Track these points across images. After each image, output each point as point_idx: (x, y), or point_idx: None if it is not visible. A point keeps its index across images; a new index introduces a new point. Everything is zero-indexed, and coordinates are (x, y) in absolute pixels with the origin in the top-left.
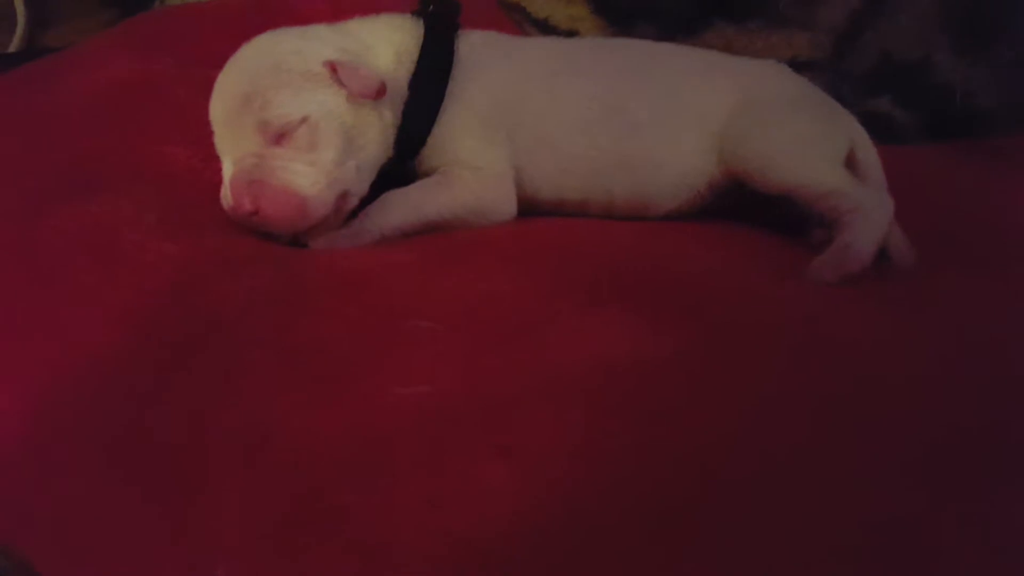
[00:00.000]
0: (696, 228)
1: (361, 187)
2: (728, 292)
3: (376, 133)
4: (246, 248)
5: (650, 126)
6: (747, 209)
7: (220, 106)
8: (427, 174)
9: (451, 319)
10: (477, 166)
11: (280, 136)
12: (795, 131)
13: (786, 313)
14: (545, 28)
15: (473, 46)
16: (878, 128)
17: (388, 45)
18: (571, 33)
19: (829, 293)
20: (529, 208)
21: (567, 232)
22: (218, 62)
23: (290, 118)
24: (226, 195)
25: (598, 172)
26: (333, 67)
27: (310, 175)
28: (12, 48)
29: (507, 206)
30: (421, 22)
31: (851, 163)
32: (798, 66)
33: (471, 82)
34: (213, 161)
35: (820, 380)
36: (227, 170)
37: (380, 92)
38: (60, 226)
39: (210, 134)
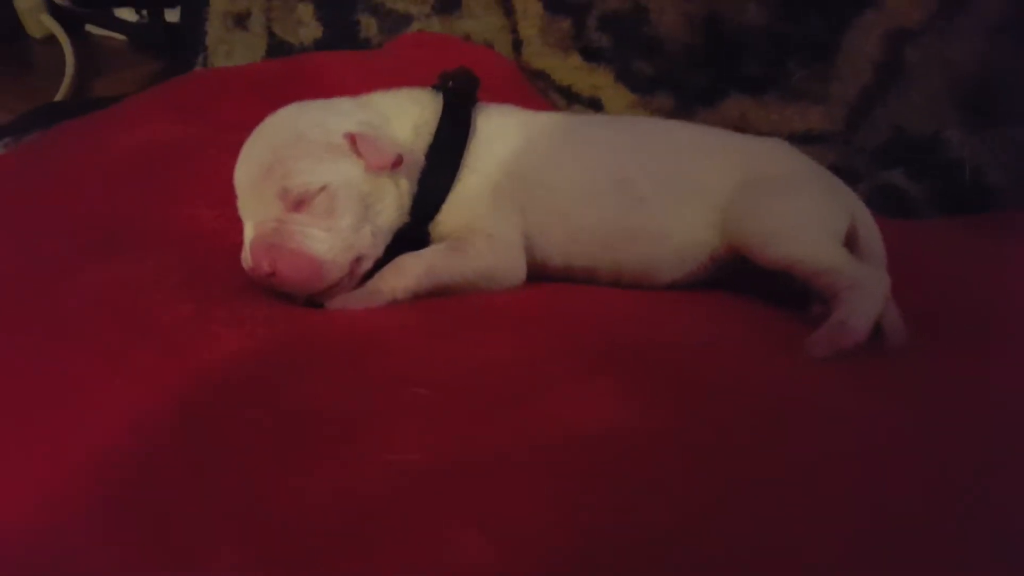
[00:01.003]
0: (697, 298)
1: (376, 251)
2: (721, 366)
3: (392, 200)
4: (261, 309)
5: (655, 200)
6: (748, 281)
7: (244, 172)
8: (441, 239)
9: (448, 386)
10: (489, 233)
11: (299, 203)
12: (795, 207)
13: (775, 389)
14: (569, 95)
15: (489, 119)
16: (891, 201)
17: (407, 117)
18: (594, 100)
19: (820, 369)
20: (538, 274)
21: (570, 300)
22: (249, 126)
23: (310, 186)
24: (246, 257)
25: (605, 242)
26: (353, 139)
27: (326, 240)
28: (59, 96)
29: (517, 273)
30: (440, 96)
31: (852, 239)
32: (811, 138)
33: (486, 154)
34: (237, 223)
35: (800, 455)
36: (248, 233)
37: (396, 164)
38: (84, 285)
39: (235, 197)
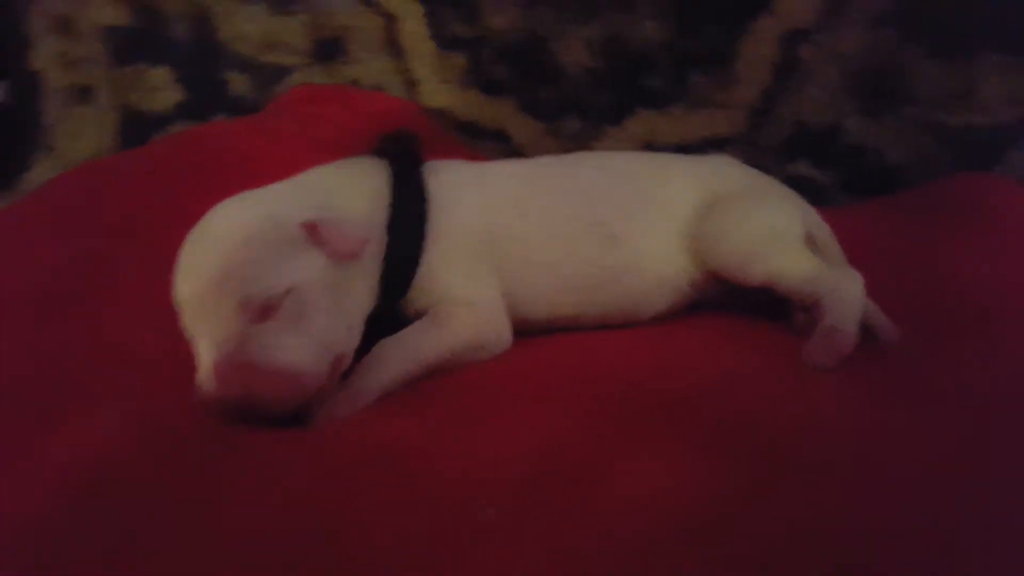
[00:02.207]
0: (690, 327)
1: (353, 344)
2: (762, 406)
3: (362, 286)
4: (248, 439)
5: (629, 236)
6: (728, 299)
7: (191, 286)
8: (417, 314)
9: (511, 492)
10: (469, 300)
11: (265, 311)
12: (762, 224)
13: (822, 420)
14: (473, 131)
15: (442, 180)
16: (802, 191)
17: (358, 193)
18: (499, 133)
19: (849, 386)
20: (522, 329)
21: (572, 355)
22: (165, 230)
23: (274, 291)
24: (206, 382)
25: (588, 286)
26: (312, 228)
27: (301, 347)
28: None
29: (505, 336)
30: (385, 163)
31: (810, 241)
32: (718, 143)
33: (449, 218)
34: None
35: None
36: (204, 354)
37: (364, 247)
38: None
39: (175, 317)
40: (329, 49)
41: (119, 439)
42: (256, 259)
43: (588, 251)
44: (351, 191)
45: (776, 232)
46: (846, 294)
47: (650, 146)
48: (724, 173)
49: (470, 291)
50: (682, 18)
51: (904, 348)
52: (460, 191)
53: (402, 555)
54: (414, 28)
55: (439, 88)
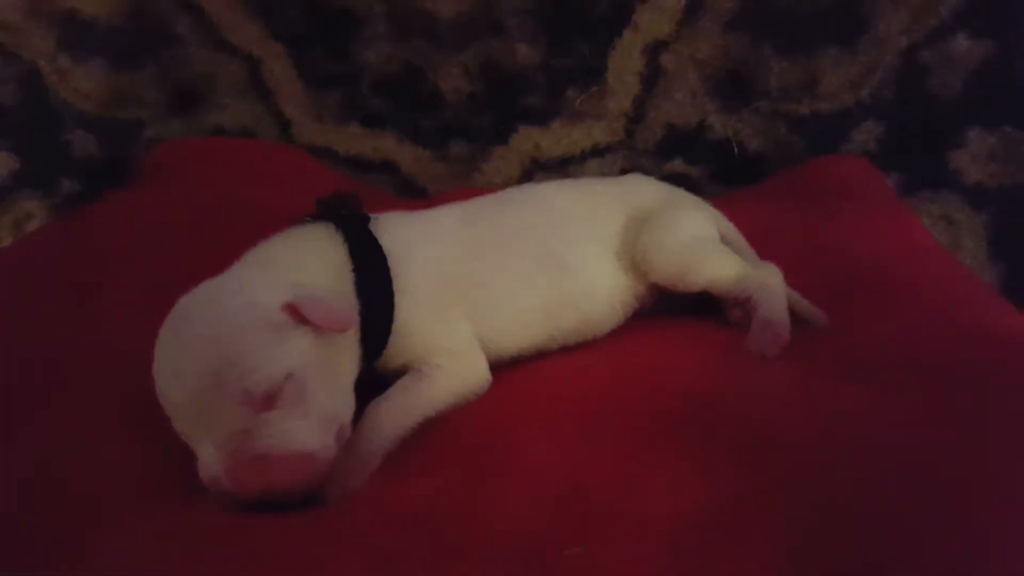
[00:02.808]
0: (647, 336)
1: (350, 413)
2: (739, 397)
3: (348, 354)
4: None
5: (575, 262)
6: (664, 305)
7: (183, 390)
8: (395, 371)
9: (550, 538)
10: (449, 349)
11: (267, 400)
12: (687, 234)
13: (815, 406)
14: (357, 165)
15: (393, 236)
16: (680, 187)
17: (318, 261)
18: (387, 164)
19: (807, 369)
20: (493, 365)
21: (556, 381)
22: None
23: (274, 379)
24: (215, 479)
25: (548, 315)
26: (294, 309)
27: (307, 428)
28: None
29: (486, 376)
30: (332, 226)
31: (724, 242)
32: (599, 152)
33: (410, 272)
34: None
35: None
36: (208, 453)
37: (351, 321)
38: None
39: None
40: (186, 98)
41: None
42: (249, 351)
43: (543, 282)
44: (311, 261)
45: (701, 240)
46: (772, 288)
47: (535, 160)
48: (641, 191)
49: (447, 340)
50: (552, 38)
51: (829, 328)
52: (413, 244)
53: None
54: (279, 69)
55: (315, 127)
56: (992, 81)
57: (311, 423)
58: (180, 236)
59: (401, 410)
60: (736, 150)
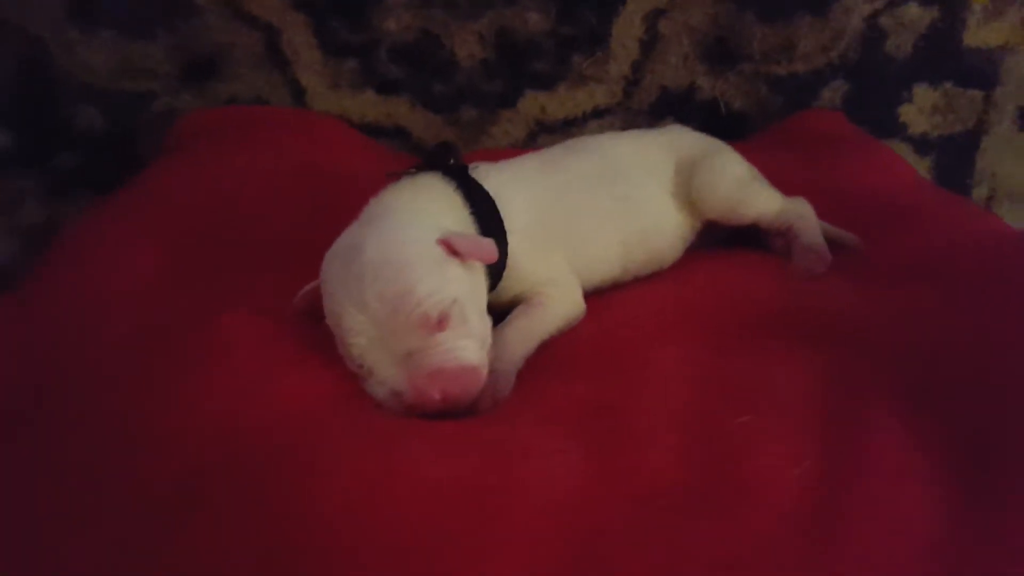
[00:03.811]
0: (710, 263)
1: (490, 335)
2: (811, 297)
3: (484, 284)
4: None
5: (644, 202)
6: (709, 239)
7: (369, 314)
8: (507, 304)
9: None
10: (554, 281)
11: (440, 322)
12: (734, 175)
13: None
14: (370, 131)
15: (491, 181)
16: None
17: (444, 206)
18: (399, 130)
19: (853, 281)
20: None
21: (652, 303)
22: None
23: (445, 304)
24: (395, 394)
25: (627, 249)
26: (447, 244)
27: (472, 347)
28: None
29: (583, 305)
30: (440, 175)
31: None
32: (600, 113)
33: (512, 212)
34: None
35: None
36: (388, 374)
37: (495, 252)
38: None
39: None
40: (199, 69)
41: None
42: (422, 280)
43: (621, 220)
44: (434, 207)
45: (745, 180)
46: (808, 217)
47: (540, 123)
48: (684, 139)
49: (551, 273)
50: (563, 8)
51: (862, 248)
52: (511, 188)
53: None
54: (299, 38)
55: (328, 94)
56: (937, 43)
57: (473, 342)
58: (247, 202)
59: (525, 334)
60: (723, 109)
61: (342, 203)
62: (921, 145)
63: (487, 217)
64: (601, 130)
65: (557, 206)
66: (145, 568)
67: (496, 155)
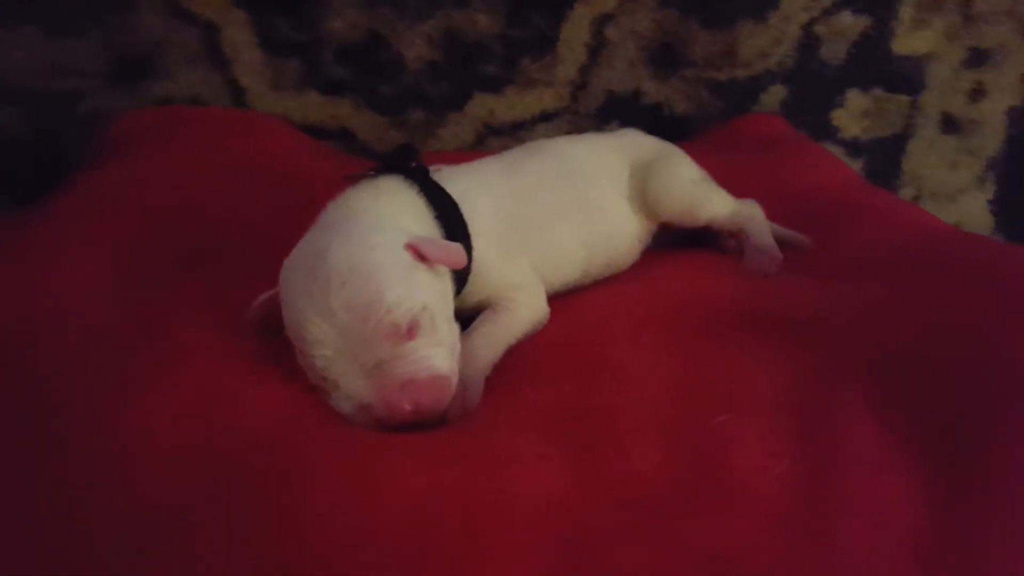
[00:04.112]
0: (667, 265)
1: (459, 342)
2: (770, 298)
3: (451, 290)
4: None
5: (603, 204)
6: (663, 240)
7: (333, 326)
8: (471, 309)
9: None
10: (519, 285)
11: (410, 331)
12: (686, 178)
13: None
14: (314, 133)
15: (455, 186)
16: None
17: (406, 210)
18: (344, 131)
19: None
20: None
21: (617, 305)
22: None
23: (414, 311)
24: (363, 407)
25: (587, 252)
26: (415, 249)
27: (442, 354)
28: None
29: (547, 310)
30: (400, 178)
31: None
32: (548, 117)
33: (476, 216)
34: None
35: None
36: (355, 385)
37: (464, 256)
38: None
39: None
40: (131, 66)
41: None
42: (391, 287)
43: (583, 223)
44: (396, 210)
45: (698, 182)
46: (758, 219)
47: (488, 126)
48: (638, 143)
49: (517, 277)
50: (512, 10)
51: (812, 247)
52: (473, 191)
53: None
54: (239, 36)
55: (269, 95)
56: (868, 50)
57: (443, 350)
58: (197, 206)
59: (492, 340)
60: (667, 113)
61: (296, 207)
62: (852, 148)
63: (451, 221)
64: (549, 134)
65: (521, 209)
66: None
67: (444, 159)
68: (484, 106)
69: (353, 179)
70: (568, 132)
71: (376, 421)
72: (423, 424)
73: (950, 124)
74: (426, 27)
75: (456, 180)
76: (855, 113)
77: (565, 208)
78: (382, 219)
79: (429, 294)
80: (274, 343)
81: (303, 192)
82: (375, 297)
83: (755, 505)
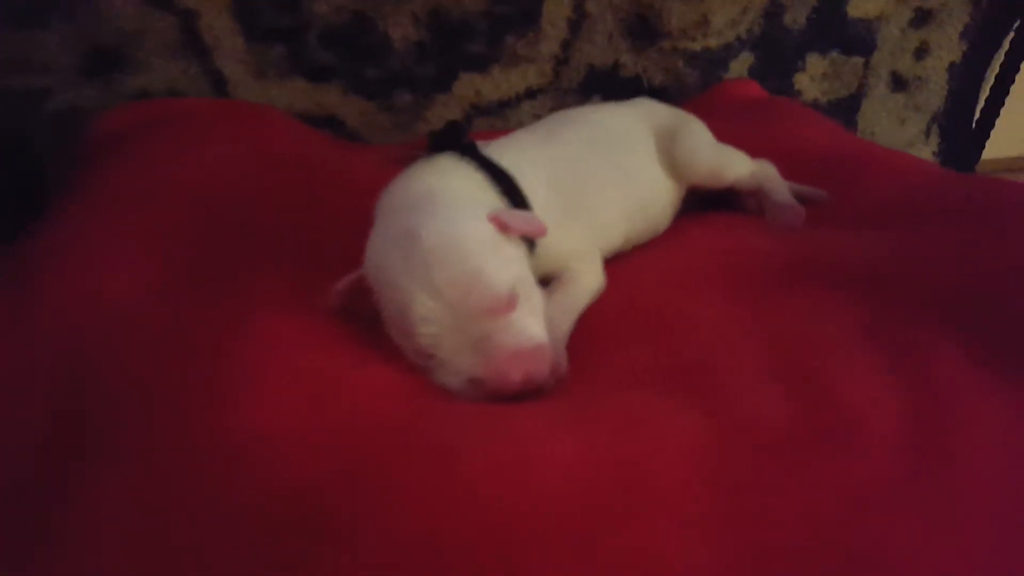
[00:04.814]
0: (702, 227)
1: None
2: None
3: (528, 260)
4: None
5: (639, 171)
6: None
7: (440, 303)
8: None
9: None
10: (581, 254)
11: (511, 303)
12: (707, 142)
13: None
14: (303, 121)
15: (507, 160)
16: None
17: (472, 185)
18: (331, 119)
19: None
20: None
21: (669, 267)
22: None
23: (512, 284)
24: (473, 381)
25: (630, 218)
26: (499, 221)
27: (539, 324)
28: None
29: (605, 276)
30: (455, 155)
31: None
32: (532, 93)
33: (532, 188)
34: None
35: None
36: (460, 361)
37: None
38: None
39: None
40: (104, 60)
41: None
42: (489, 261)
43: (625, 189)
44: (470, 186)
45: (718, 145)
46: (776, 177)
47: (475, 106)
48: (655, 110)
49: (577, 246)
50: None
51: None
52: (523, 164)
53: None
54: (219, 23)
55: (253, 83)
56: (825, 15)
57: (537, 319)
58: (225, 197)
59: (565, 309)
60: (646, 84)
61: (325, 193)
62: (813, 109)
63: (512, 194)
64: (534, 111)
65: (567, 179)
66: None
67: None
68: (471, 86)
69: (405, 161)
70: (552, 108)
71: (485, 394)
72: (527, 394)
73: (898, 82)
74: (412, 6)
75: (504, 153)
76: (815, 76)
77: (607, 175)
78: (459, 195)
79: (519, 265)
80: (359, 328)
81: (327, 177)
82: (475, 272)
83: (877, 438)
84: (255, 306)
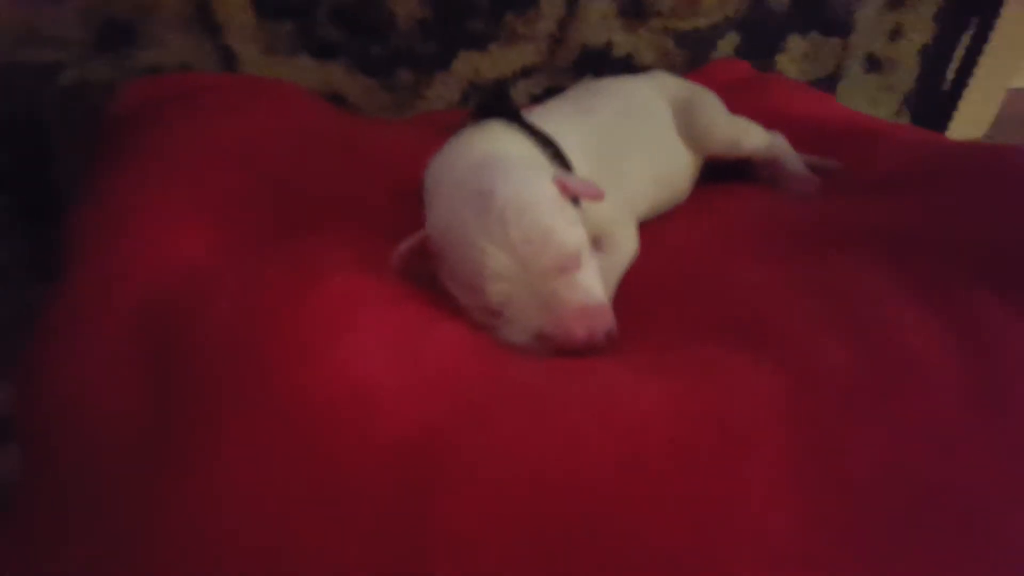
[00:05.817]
0: (729, 194)
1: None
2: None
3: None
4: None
5: (662, 141)
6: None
7: (514, 258)
8: None
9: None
10: (620, 220)
11: (577, 262)
12: (722, 113)
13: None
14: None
15: (549, 127)
16: None
17: (526, 150)
18: (335, 96)
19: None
20: None
21: (700, 234)
22: None
23: (578, 245)
24: (541, 335)
25: (655, 187)
26: (563, 184)
27: (599, 284)
28: None
29: (639, 241)
30: (503, 121)
31: None
32: (528, 72)
33: (574, 155)
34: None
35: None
36: (528, 315)
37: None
38: None
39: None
40: (116, 37)
41: None
42: (558, 220)
43: (652, 157)
44: (522, 150)
45: (731, 117)
46: (789, 148)
47: (473, 84)
48: (670, 83)
49: (616, 211)
50: None
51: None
52: (564, 131)
53: None
54: (232, 0)
55: (261, 60)
56: None
57: (598, 280)
58: (273, 166)
59: (609, 273)
60: (636, 63)
61: (362, 161)
62: (808, 85)
63: (558, 160)
64: (529, 89)
65: (604, 147)
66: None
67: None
68: (470, 64)
69: (453, 128)
70: (547, 87)
71: (553, 349)
72: (587, 350)
73: (873, 63)
74: None
75: (544, 120)
76: (795, 56)
77: (637, 144)
78: (521, 159)
79: (580, 227)
80: (421, 287)
81: (359, 148)
82: (548, 230)
83: (935, 377)
84: (328, 265)
